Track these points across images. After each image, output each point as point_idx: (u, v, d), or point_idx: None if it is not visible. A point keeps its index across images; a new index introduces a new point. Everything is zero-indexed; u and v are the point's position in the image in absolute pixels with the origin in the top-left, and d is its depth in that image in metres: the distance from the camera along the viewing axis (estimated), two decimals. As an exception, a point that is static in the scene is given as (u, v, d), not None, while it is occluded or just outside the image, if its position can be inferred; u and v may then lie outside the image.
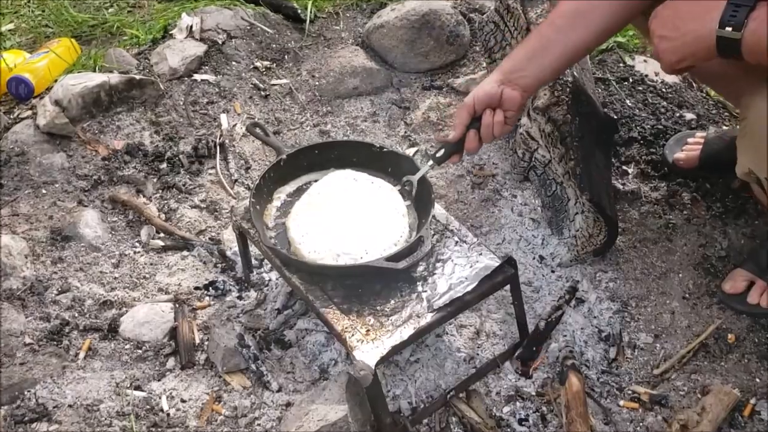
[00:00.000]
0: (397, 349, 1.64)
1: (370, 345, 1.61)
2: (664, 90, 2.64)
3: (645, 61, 2.72)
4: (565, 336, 1.94)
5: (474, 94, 1.72)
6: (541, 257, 2.15)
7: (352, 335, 1.63)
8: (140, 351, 1.92)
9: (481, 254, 1.80)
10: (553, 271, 2.12)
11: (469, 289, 1.71)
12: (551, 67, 1.71)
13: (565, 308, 1.97)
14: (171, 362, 1.89)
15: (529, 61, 1.70)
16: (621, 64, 2.74)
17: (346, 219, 1.79)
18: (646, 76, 2.67)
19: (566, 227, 2.13)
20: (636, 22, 1.88)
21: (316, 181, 1.91)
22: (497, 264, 1.75)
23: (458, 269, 1.76)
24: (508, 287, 1.83)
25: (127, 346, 1.92)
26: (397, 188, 1.86)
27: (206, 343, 1.92)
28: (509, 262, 1.77)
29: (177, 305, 2.00)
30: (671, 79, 2.66)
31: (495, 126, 1.69)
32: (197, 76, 2.63)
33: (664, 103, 2.58)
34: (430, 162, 1.79)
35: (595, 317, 2.00)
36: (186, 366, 1.87)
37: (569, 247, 2.12)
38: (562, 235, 2.15)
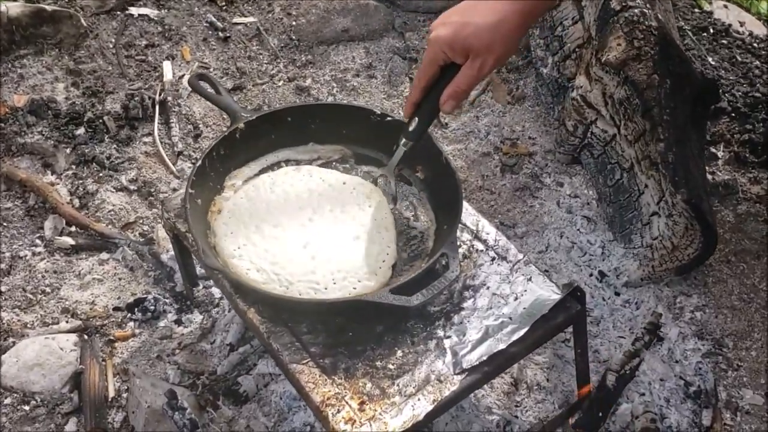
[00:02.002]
0: (408, 436, 1.28)
1: (366, 428, 1.25)
2: (755, 45, 2.37)
3: (725, 6, 2.50)
4: (642, 394, 1.61)
5: None
6: (602, 273, 1.83)
7: (338, 411, 1.27)
8: (27, 408, 1.60)
9: (530, 279, 1.43)
10: (617, 293, 1.80)
11: (516, 336, 1.35)
12: None
13: (644, 355, 1.62)
14: (72, 425, 1.58)
15: None
16: (696, 10, 2.50)
17: (305, 231, 1.47)
18: (730, 26, 2.43)
19: (636, 232, 1.82)
20: None
21: (288, 162, 1.61)
22: (558, 297, 1.39)
23: (497, 302, 1.40)
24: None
25: (8, 400, 1.61)
26: (379, 181, 1.54)
27: (125, 395, 1.61)
28: (574, 294, 1.41)
29: (85, 337, 1.68)
30: (761, 30, 2.40)
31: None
32: (133, 10, 2.40)
33: (757, 62, 2.29)
34: (403, 141, 1.44)
35: (677, 362, 1.69)
36: (93, 432, 1.53)
37: (641, 261, 1.81)
38: (630, 243, 1.84)
